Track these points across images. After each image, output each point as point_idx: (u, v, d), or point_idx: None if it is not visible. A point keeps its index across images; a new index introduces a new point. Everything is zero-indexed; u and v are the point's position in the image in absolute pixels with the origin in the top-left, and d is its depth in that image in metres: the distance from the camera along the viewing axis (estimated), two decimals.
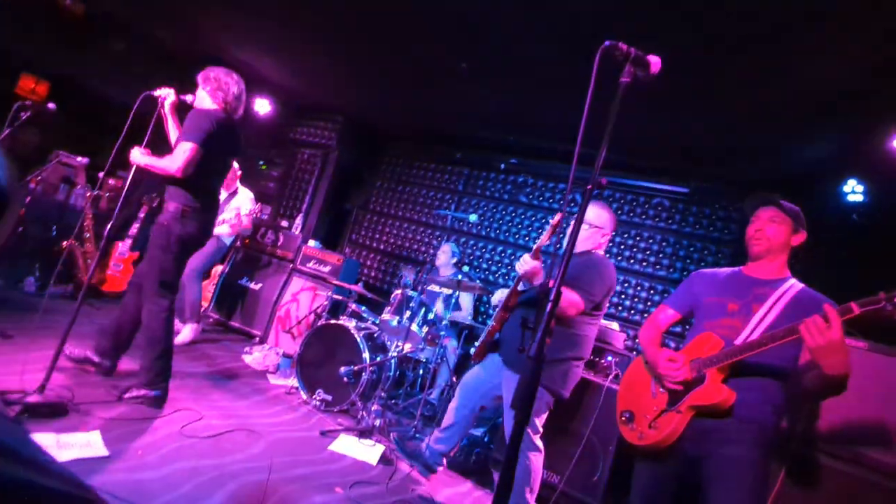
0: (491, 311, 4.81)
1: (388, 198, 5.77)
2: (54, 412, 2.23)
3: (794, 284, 1.68)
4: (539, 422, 2.40)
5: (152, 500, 1.87)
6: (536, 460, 2.37)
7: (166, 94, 2.76)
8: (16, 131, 2.95)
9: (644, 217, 4.38)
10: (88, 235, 4.46)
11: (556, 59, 3.02)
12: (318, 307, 4.33)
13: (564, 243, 2.44)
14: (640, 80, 1.12)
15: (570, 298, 2.23)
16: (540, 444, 2.41)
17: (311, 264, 4.70)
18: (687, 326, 1.95)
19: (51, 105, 3.07)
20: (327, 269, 4.63)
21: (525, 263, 2.20)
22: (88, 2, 3.76)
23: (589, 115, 1.08)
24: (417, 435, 3.43)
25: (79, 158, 4.58)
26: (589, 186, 1.07)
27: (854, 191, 3.21)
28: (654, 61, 1.13)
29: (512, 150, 4.89)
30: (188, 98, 2.80)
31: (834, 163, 3.22)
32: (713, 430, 1.60)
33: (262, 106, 5.21)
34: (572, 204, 4.66)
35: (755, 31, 2.26)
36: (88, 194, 4.53)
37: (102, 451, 2.06)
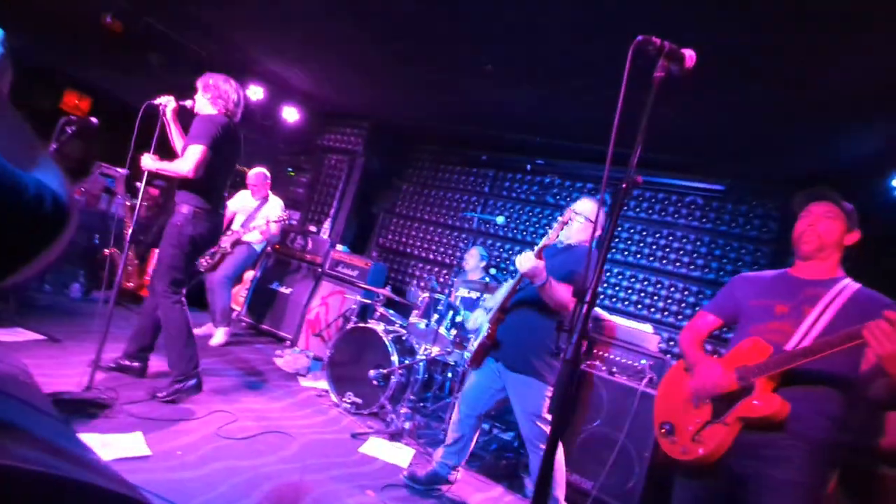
0: None
1: (415, 201, 5.80)
2: (100, 412, 2.33)
3: (849, 284, 1.55)
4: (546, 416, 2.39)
5: (191, 499, 1.92)
6: (558, 456, 2.34)
7: (167, 102, 2.85)
8: (61, 145, 3.08)
9: (677, 216, 4.26)
10: (128, 243, 4.64)
11: (584, 57, 2.98)
12: (346, 310, 4.37)
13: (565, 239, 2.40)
14: (675, 75, 1.08)
15: (565, 288, 2.22)
16: None
17: (339, 268, 4.76)
18: (726, 330, 1.85)
19: (93, 119, 3.20)
20: (355, 272, 4.68)
21: (527, 261, 2.11)
22: (126, 19, 3.93)
23: (621, 112, 1.05)
24: None
25: (118, 169, 4.78)
26: (624, 185, 1.04)
27: None
28: (689, 55, 1.09)
29: (538, 150, 4.84)
30: (187, 103, 2.89)
31: (882, 157, 3.05)
32: (762, 445, 1.48)
33: (291, 114, 5.32)
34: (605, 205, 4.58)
35: (800, 16, 2.14)
36: (128, 203, 4.72)
37: (145, 450, 2.13)
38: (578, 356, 0.91)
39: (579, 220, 2.37)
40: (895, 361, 1.23)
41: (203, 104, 2.87)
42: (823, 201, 1.63)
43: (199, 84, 2.89)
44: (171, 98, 2.86)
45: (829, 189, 1.63)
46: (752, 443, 1.50)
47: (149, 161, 2.77)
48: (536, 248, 2.15)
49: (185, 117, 2.93)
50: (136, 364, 2.90)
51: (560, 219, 2.27)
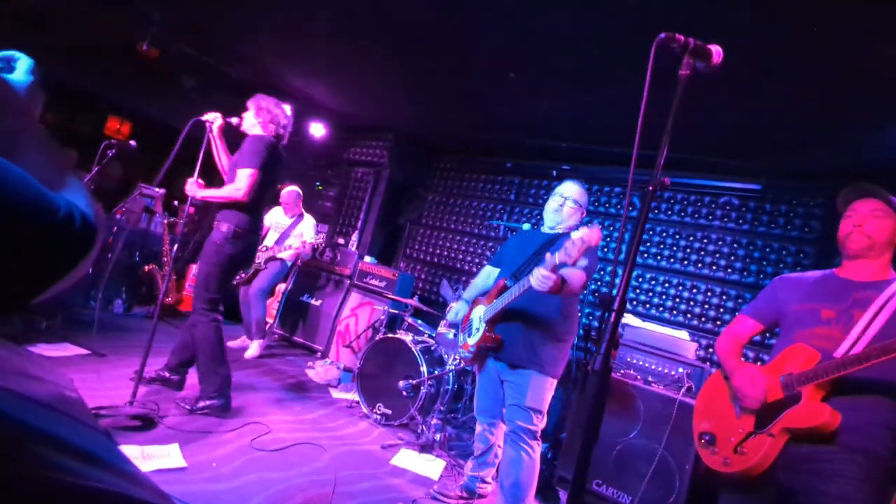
0: None
1: (440, 211, 5.81)
2: (141, 425, 2.40)
3: None
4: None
5: None
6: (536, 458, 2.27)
7: (214, 118, 2.90)
8: (104, 168, 3.25)
9: (711, 218, 4.11)
10: (167, 259, 4.83)
11: (609, 61, 2.93)
12: (375, 321, 4.40)
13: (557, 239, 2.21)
14: (702, 73, 1.04)
15: (578, 276, 2.10)
16: None
17: (367, 279, 4.80)
18: (769, 336, 1.75)
19: (132, 142, 3.37)
20: (383, 283, 4.71)
21: (547, 280, 1.90)
22: (162, 46, 4.12)
23: (647, 113, 1.01)
24: None
25: (157, 189, 4.99)
26: (651, 187, 1.00)
27: None
28: (716, 51, 1.04)
29: (563, 156, 4.78)
30: (234, 121, 2.94)
31: None
32: (813, 458, 1.39)
33: (318, 129, 5.44)
34: (631, 208, 4.48)
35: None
36: (166, 221, 4.92)
37: (181, 462, 2.18)
38: (608, 366, 0.88)
39: (570, 205, 2.34)
40: None
41: (252, 124, 2.92)
42: (869, 198, 1.53)
43: (251, 105, 2.94)
44: (219, 115, 2.91)
45: (873, 185, 1.53)
46: (803, 455, 1.41)
47: (194, 188, 2.84)
48: (550, 263, 1.92)
49: (230, 134, 3.00)
50: (174, 377, 2.98)
51: (549, 205, 2.35)
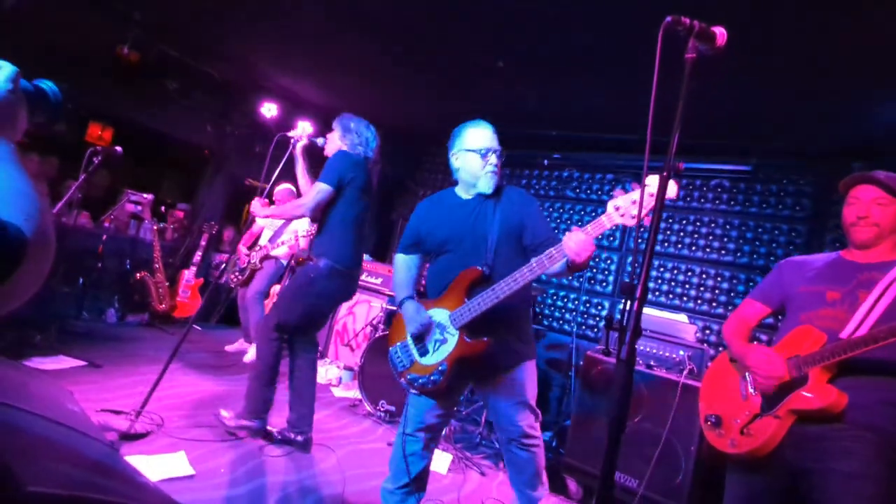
0: (545, 312, 4.70)
1: None
2: (147, 435, 2.37)
3: None
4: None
5: None
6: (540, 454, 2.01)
7: (299, 137, 2.78)
8: (90, 176, 3.17)
9: (703, 201, 4.14)
10: (158, 266, 4.76)
11: (597, 47, 2.92)
12: (373, 319, 4.38)
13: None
14: (705, 55, 1.04)
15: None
16: None
17: (363, 277, 4.77)
18: (779, 318, 1.76)
19: (118, 148, 3.29)
20: (379, 280, 4.69)
21: (589, 245, 1.58)
22: (142, 48, 4.02)
23: (637, 99, 1.01)
24: (483, 442, 3.39)
25: (144, 195, 4.91)
26: (664, 173, 1.00)
27: None
28: (720, 33, 1.04)
29: (554, 145, 4.77)
30: (319, 141, 2.81)
31: None
32: (821, 437, 1.41)
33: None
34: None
35: None
36: (155, 227, 4.84)
37: (189, 470, 2.16)
38: (633, 356, 0.88)
39: (473, 157, 1.93)
40: None
41: (336, 147, 2.71)
42: (870, 185, 1.53)
43: (337, 126, 2.75)
44: (305, 132, 2.78)
45: (872, 171, 1.53)
46: (812, 435, 1.43)
47: (258, 207, 2.73)
48: (591, 231, 1.58)
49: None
50: (299, 438, 2.69)
51: (477, 165, 1.89)
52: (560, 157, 4.82)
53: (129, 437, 2.30)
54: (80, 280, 4.30)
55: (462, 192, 1.99)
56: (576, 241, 1.54)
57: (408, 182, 6.00)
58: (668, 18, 1.00)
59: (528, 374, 1.90)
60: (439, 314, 1.85)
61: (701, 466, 2.54)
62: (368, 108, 5.16)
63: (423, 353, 1.86)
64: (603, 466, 0.81)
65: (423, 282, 2.17)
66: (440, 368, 1.80)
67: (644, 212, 1.39)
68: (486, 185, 1.91)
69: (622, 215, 1.53)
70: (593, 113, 3.93)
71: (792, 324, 1.58)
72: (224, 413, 2.62)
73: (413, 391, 1.88)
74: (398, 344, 1.94)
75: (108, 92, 4.49)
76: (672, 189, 1.27)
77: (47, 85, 0.76)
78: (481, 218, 1.89)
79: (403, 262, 2.06)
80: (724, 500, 1.65)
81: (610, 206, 1.47)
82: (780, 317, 1.75)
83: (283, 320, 2.58)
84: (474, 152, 1.91)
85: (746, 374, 1.62)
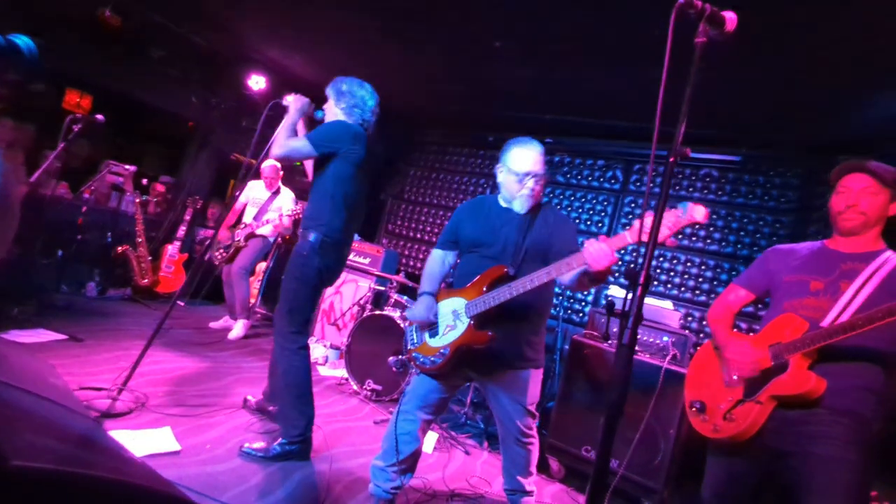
0: None
1: (423, 186, 5.74)
2: (129, 410, 2.35)
3: (891, 257, 1.49)
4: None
5: (224, 491, 1.94)
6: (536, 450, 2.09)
7: (293, 102, 2.55)
8: (69, 145, 3.06)
9: (692, 190, 4.18)
10: (141, 240, 4.65)
11: (593, 30, 2.88)
12: (361, 298, 4.37)
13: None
14: (715, 40, 1.02)
15: None
16: None
17: (351, 256, 4.74)
18: (760, 306, 1.80)
19: (99, 116, 3.17)
20: (367, 260, 4.66)
21: (609, 255, 1.58)
22: (125, 13, 3.86)
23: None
24: (469, 422, 3.44)
25: (126, 166, 4.76)
26: (671, 158, 0.99)
27: None
28: (730, 18, 1.02)
29: (546, 129, 4.74)
30: (318, 114, 2.60)
31: None
32: (800, 422, 1.45)
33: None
34: (613, 181, 4.53)
35: None
36: (137, 200, 4.71)
37: (175, 445, 2.15)
38: (634, 341, 0.88)
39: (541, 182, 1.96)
40: None
41: (334, 114, 2.51)
42: (860, 173, 1.54)
43: (331, 91, 2.53)
44: (301, 98, 2.55)
45: (864, 160, 1.55)
46: (791, 420, 1.47)
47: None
48: (613, 243, 1.56)
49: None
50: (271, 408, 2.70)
51: (516, 187, 1.90)
52: (552, 142, 4.80)
53: (111, 414, 2.27)
54: (59, 252, 4.18)
55: (503, 201, 2.05)
56: (595, 249, 1.55)
57: (398, 162, 5.93)
58: (681, 0, 0.97)
59: (533, 381, 1.96)
60: (457, 302, 1.93)
61: (679, 448, 2.62)
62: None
63: (433, 334, 1.98)
64: (599, 449, 0.82)
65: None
66: (442, 351, 1.89)
67: (668, 233, 1.39)
68: (520, 206, 1.96)
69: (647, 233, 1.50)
70: (588, 98, 3.90)
71: (776, 311, 1.62)
72: (256, 445, 2.30)
73: (414, 369, 1.98)
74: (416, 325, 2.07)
75: (88, 57, 4.30)
76: (700, 211, 1.36)
77: (22, 40, 0.71)
78: (515, 229, 1.95)
79: (437, 257, 2.16)
80: (704, 481, 1.70)
81: (637, 222, 1.44)
82: (760, 304, 1.78)
83: (299, 313, 2.37)
84: (513, 174, 1.94)
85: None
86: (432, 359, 1.92)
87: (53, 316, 3.40)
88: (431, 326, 2.00)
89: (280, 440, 2.30)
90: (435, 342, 1.95)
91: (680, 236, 4.15)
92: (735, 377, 1.60)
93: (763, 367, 1.53)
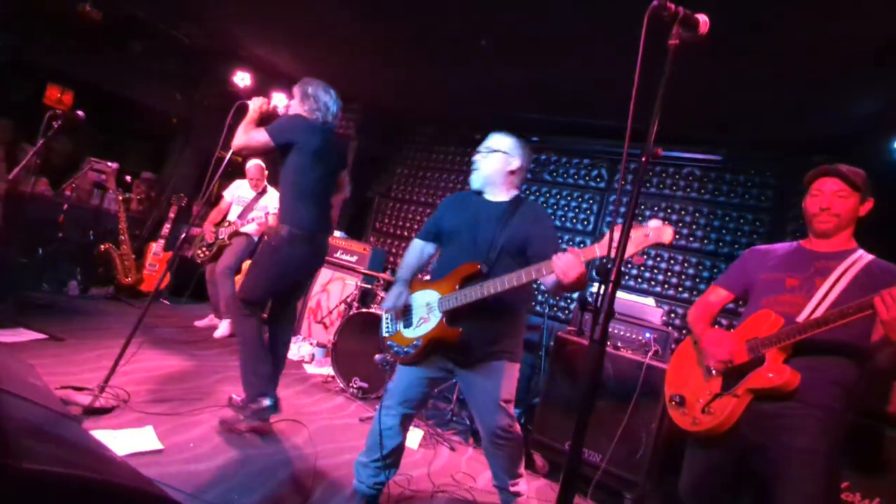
0: None
1: (410, 184, 5.74)
2: (110, 409, 2.32)
3: (862, 255, 1.56)
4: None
5: (208, 490, 1.93)
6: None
7: (259, 104, 2.65)
8: (50, 141, 3.01)
9: (675, 189, 4.24)
10: (123, 238, 4.59)
11: (579, 29, 2.91)
12: (348, 296, 4.37)
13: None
14: (688, 42, 1.05)
15: None
16: None
17: (337, 254, 4.73)
18: (741, 304, 1.85)
19: (80, 112, 3.12)
20: (354, 258, 4.65)
21: (577, 267, 1.58)
22: (105, 7, 3.80)
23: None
24: (454, 419, 3.46)
25: (109, 163, 4.69)
26: (644, 158, 1.02)
27: None
28: (703, 20, 1.05)
29: (533, 127, 4.78)
30: (280, 109, 2.71)
31: (882, 119, 3.03)
32: (775, 415, 1.51)
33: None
34: (599, 179, 4.58)
35: None
36: (120, 198, 4.65)
37: (157, 444, 2.14)
38: (605, 337, 0.91)
39: (497, 157, 2.01)
40: None
41: (296, 113, 2.62)
42: (832, 177, 1.60)
43: (297, 91, 2.63)
44: (263, 99, 2.65)
45: (836, 165, 1.60)
46: (766, 413, 1.52)
47: None
48: (582, 254, 1.57)
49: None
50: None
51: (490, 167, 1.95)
52: (538, 141, 4.83)
53: (92, 411, 2.25)
54: (39, 251, 4.11)
55: (487, 194, 2.05)
56: (563, 261, 1.56)
57: (386, 160, 5.92)
58: (655, 2, 1.00)
59: (508, 373, 1.92)
60: (432, 295, 1.95)
61: (660, 442, 2.67)
62: (347, 84, 5.03)
63: (408, 325, 2.00)
64: (573, 439, 0.84)
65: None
66: (416, 343, 1.93)
67: (634, 250, 1.38)
68: (479, 180, 2.03)
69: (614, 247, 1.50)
70: (573, 97, 3.94)
71: (753, 308, 1.68)
72: (231, 411, 2.53)
73: (388, 358, 1.97)
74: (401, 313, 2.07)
75: (69, 53, 4.24)
76: (668, 234, 1.34)
77: None
78: (493, 221, 1.94)
79: (416, 246, 2.16)
80: (683, 471, 1.76)
81: (607, 235, 1.41)
82: (741, 302, 1.83)
83: (247, 294, 2.55)
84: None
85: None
86: (406, 349, 1.97)
87: (34, 315, 3.35)
88: (406, 316, 2.02)
89: (247, 402, 2.47)
90: (409, 333, 1.98)
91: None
92: (713, 371, 1.65)
93: (740, 359, 1.58)
